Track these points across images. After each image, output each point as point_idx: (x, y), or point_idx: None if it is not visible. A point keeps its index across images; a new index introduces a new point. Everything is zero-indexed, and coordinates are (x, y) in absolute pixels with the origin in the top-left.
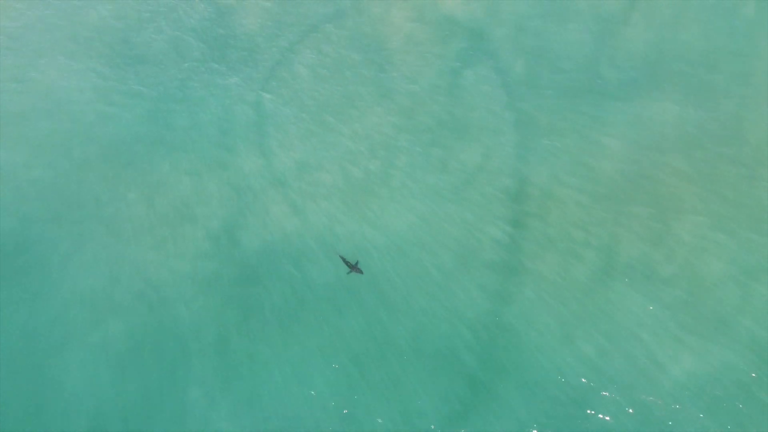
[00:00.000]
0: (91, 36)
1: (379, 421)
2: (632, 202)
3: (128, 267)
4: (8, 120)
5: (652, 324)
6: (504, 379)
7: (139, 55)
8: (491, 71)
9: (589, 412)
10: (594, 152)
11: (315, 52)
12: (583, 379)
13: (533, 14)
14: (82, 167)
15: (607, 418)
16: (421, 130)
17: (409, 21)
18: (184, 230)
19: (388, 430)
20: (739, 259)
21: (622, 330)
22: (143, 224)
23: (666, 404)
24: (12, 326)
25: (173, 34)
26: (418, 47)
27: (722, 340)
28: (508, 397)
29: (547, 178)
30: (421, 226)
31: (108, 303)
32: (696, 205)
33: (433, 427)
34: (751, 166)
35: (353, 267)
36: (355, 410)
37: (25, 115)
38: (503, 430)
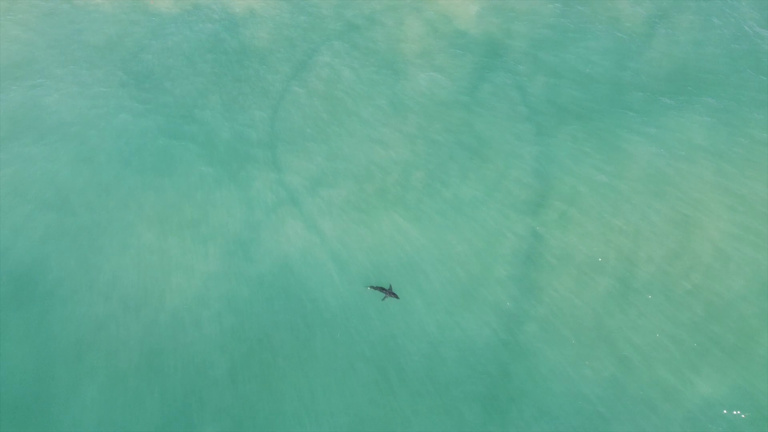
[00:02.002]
0: (100, 56)
1: None
2: (654, 214)
3: (140, 291)
4: (18, 139)
5: (669, 345)
6: (518, 405)
7: (150, 73)
8: (509, 87)
9: None
10: (615, 165)
11: (328, 66)
12: (597, 406)
13: (550, 31)
14: (91, 183)
15: None
16: (438, 144)
17: (422, 35)
18: (196, 250)
19: None
20: (761, 275)
21: (638, 352)
22: (155, 243)
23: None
24: (20, 362)
25: (185, 51)
26: (432, 62)
27: (740, 361)
28: (523, 423)
29: (567, 191)
30: (437, 241)
31: (118, 331)
32: (720, 217)
33: None
34: None
35: (387, 292)
36: None
37: (36, 133)
38: None
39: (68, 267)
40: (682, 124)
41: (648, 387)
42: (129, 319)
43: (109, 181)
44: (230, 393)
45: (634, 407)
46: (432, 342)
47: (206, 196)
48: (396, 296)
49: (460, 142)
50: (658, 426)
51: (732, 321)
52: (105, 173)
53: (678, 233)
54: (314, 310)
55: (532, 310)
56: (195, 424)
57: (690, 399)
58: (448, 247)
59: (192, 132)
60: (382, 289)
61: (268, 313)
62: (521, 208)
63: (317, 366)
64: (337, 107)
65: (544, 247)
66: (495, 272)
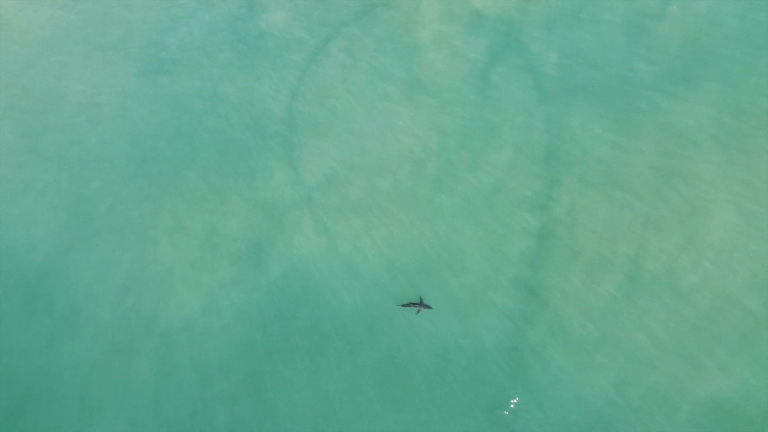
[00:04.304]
0: (119, 43)
1: None
2: (662, 203)
3: (153, 300)
4: (36, 131)
5: (674, 343)
6: (525, 412)
7: (167, 60)
8: (522, 69)
9: None
10: (625, 151)
11: (345, 51)
12: (603, 411)
13: (565, 9)
14: (107, 184)
15: None
16: (450, 133)
17: (438, 17)
18: (209, 256)
19: None
20: (766, 266)
21: (642, 351)
22: (169, 250)
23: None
24: (29, 367)
25: (202, 38)
26: (448, 44)
27: (743, 359)
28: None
29: (576, 180)
30: (448, 240)
31: (129, 341)
32: (727, 207)
33: None
34: None
35: (419, 305)
36: None
37: (53, 126)
38: None
39: (79, 274)
40: (692, 106)
41: (654, 388)
42: (141, 329)
43: (118, 180)
44: (240, 405)
45: (640, 411)
46: (440, 351)
47: (220, 196)
48: (429, 307)
49: (473, 129)
50: (660, 429)
51: (736, 315)
52: (115, 173)
53: (685, 225)
54: (327, 315)
55: (539, 313)
56: None
57: (695, 397)
58: (459, 246)
59: (207, 124)
60: (413, 304)
61: (278, 322)
62: (531, 201)
63: (325, 378)
64: (352, 96)
65: (553, 244)
66: (504, 273)
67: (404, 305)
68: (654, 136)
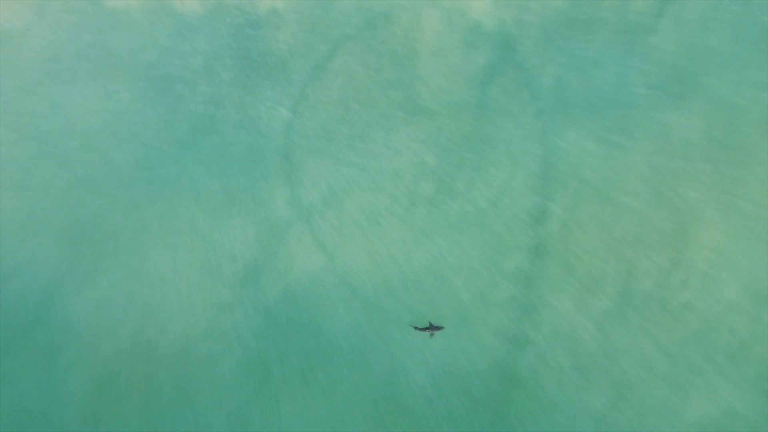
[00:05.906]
0: (124, 58)
1: None
2: (654, 218)
3: (147, 326)
4: (40, 146)
5: (665, 364)
6: None
7: (164, 79)
8: (519, 84)
9: None
10: (620, 158)
11: (345, 67)
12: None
13: (561, 12)
14: (101, 204)
15: None
16: (448, 151)
17: (437, 30)
18: (204, 277)
19: None
20: (754, 281)
21: (634, 372)
22: (162, 272)
23: None
24: (23, 403)
25: (200, 55)
26: (447, 59)
27: (733, 378)
28: None
29: (569, 199)
30: (443, 259)
31: (125, 371)
32: (716, 218)
33: None
34: None
35: (431, 328)
36: None
37: (46, 143)
38: None
39: (74, 298)
40: (683, 118)
41: (648, 407)
42: (136, 358)
43: (115, 201)
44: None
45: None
46: (433, 374)
47: (217, 217)
48: (441, 327)
49: (469, 146)
50: None
51: (724, 335)
52: (111, 186)
53: (676, 241)
54: (321, 338)
55: (531, 333)
56: None
57: (688, 417)
58: (454, 265)
59: (204, 143)
60: (426, 329)
61: (276, 345)
62: (525, 219)
63: (322, 399)
64: (351, 114)
65: (546, 263)
66: (497, 292)
67: (417, 328)
68: (649, 140)
